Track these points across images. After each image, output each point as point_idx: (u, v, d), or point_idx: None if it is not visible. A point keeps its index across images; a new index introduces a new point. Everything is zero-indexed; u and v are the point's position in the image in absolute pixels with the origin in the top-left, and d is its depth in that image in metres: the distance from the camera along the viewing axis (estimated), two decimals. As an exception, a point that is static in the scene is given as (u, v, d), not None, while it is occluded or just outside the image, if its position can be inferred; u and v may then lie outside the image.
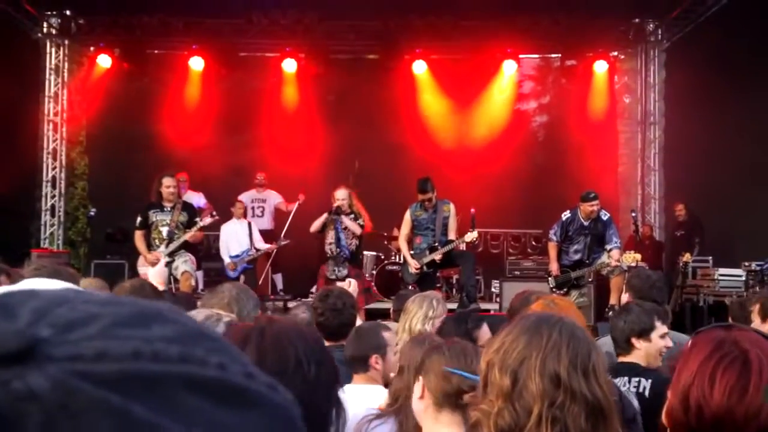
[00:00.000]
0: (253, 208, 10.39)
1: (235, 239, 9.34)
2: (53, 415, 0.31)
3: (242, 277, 9.88)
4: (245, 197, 10.47)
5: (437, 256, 7.62)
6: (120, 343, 0.35)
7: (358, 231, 8.41)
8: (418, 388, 2.10)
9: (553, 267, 8.02)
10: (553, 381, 1.36)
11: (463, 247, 7.91)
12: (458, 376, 2.02)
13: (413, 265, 7.69)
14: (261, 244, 9.26)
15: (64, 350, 0.34)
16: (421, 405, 2.09)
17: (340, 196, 8.13)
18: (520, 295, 3.94)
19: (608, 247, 7.76)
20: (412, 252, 7.88)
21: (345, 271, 8.13)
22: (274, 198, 10.32)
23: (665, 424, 1.41)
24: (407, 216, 7.90)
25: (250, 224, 9.45)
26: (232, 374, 0.37)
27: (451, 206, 7.82)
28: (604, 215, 7.87)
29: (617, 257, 7.54)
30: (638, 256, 7.41)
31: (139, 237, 7.60)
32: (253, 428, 0.35)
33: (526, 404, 1.36)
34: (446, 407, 2.05)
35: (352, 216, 8.14)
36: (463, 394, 2.02)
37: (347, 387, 2.86)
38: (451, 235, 7.70)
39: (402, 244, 8.04)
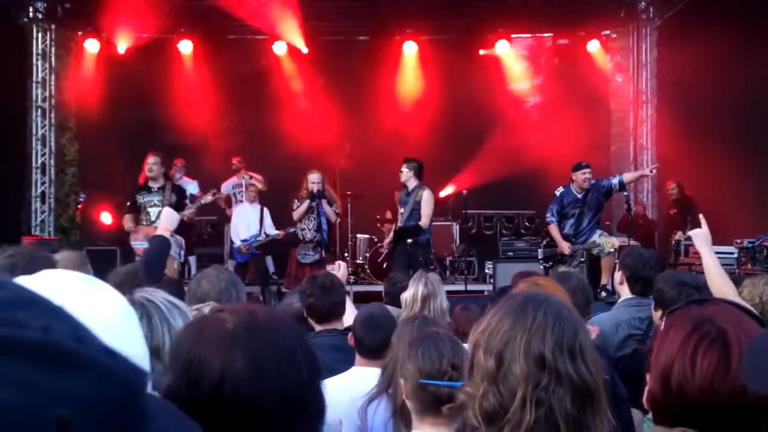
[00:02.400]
0: (234, 194, 10.29)
1: (245, 223, 9.07)
2: None
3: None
4: (227, 186, 10.33)
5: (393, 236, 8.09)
6: None
7: (333, 218, 8.48)
8: (403, 389, 2.09)
9: (564, 247, 7.90)
10: (537, 363, 1.34)
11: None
12: (434, 386, 2.00)
13: (384, 243, 8.70)
14: (271, 230, 8.95)
15: None
16: (409, 404, 2.09)
17: (315, 179, 8.11)
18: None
19: (615, 181, 7.92)
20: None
21: (316, 256, 8.16)
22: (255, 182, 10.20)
23: (647, 407, 1.39)
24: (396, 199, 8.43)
25: (262, 209, 9.11)
26: (57, 337, 0.36)
27: (425, 193, 7.88)
28: (591, 182, 7.91)
29: (630, 178, 8.38)
30: (616, 243, 7.81)
31: (127, 218, 7.51)
32: (77, 390, 0.34)
33: (511, 386, 1.34)
34: (428, 414, 2.04)
35: (326, 201, 8.15)
36: (441, 403, 2.00)
37: (355, 370, 2.85)
38: (423, 221, 7.80)
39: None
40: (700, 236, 3.22)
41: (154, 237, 4.13)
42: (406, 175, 7.93)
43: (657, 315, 3.13)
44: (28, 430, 0.32)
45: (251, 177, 9.82)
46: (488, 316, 1.44)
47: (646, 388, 1.37)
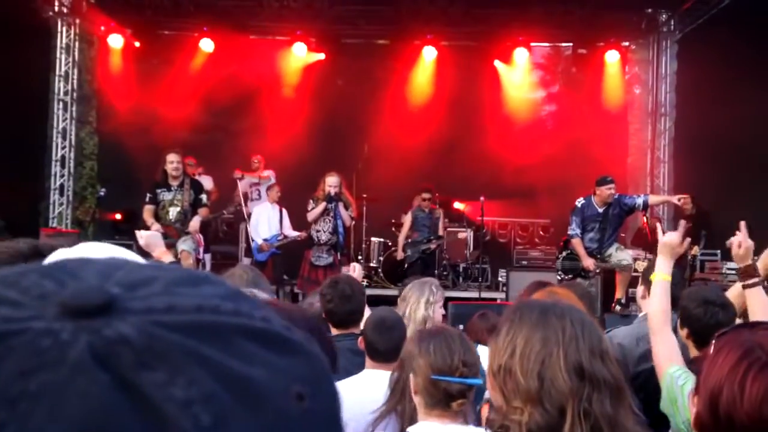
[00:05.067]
0: (251, 192, 10.34)
1: (266, 222, 9.12)
2: (142, 355, 0.37)
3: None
4: (245, 183, 10.38)
5: (432, 246, 9.51)
6: (183, 298, 0.41)
7: (348, 223, 8.44)
8: (412, 384, 2.11)
9: (588, 263, 7.71)
10: (578, 373, 1.37)
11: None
12: (445, 382, 2.02)
13: (399, 254, 9.54)
14: (290, 231, 9.03)
15: (137, 304, 0.39)
16: (416, 399, 2.11)
17: (333, 182, 8.05)
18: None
19: (640, 201, 7.79)
20: (408, 241, 9.59)
21: (330, 258, 8.12)
22: (269, 180, 10.22)
23: (693, 429, 1.39)
24: (409, 216, 9.56)
25: (282, 210, 9.18)
26: (275, 326, 0.42)
27: (442, 212, 9.81)
28: (614, 197, 7.75)
29: (655, 201, 8.70)
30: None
31: (147, 210, 7.38)
32: (299, 371, 0.41)
33: (557, 402, 1.36)
34: (436, 408, 2.05)
35: (342, 204, 8.11)
36: (452, 399, 2.02)
37: (366, 373, 2.86)
38: (440, 233, 9.73)
39: (401, 235, 9.64)
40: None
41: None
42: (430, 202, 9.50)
43: (683, 333, 3.09)
44: (280, 402, 0.39)
45: (250, 175, 9.98)
46: (508, 337, 1.45)
47: (694, 411, 1.37)
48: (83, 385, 0.35)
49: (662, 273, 2.67)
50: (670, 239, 2.75)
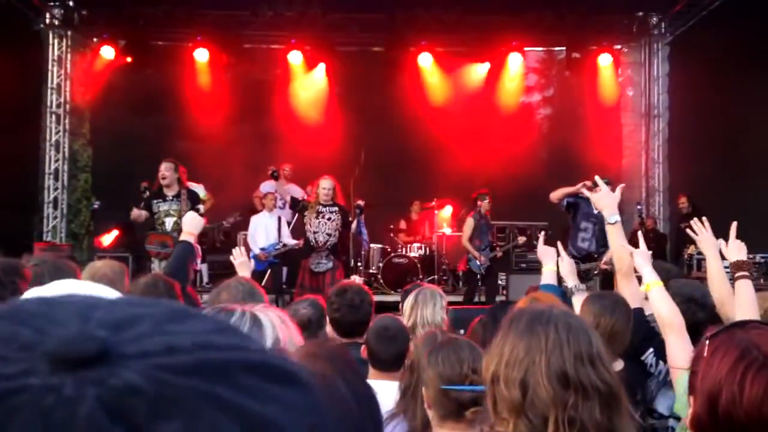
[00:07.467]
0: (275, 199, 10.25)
1: (264, 231, 9.08)
2: (156, 405, 0.33)
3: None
4: (267, 187, 10.28)
5: (499, 254, 9.21)
6: (177, 337, 0.37)
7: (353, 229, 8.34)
8: (425, 397, 2.07)
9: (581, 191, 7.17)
10: (561, 381, 1.34)
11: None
12: (456, 391, 1.98)
13: (481, 259, 8.96)
14: (289, 240, 8.95)
15: (131, 347, 0.36)
16: (430, 413, 2.08)
17: (327, 185, 7.84)
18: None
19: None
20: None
21: (329, 264, 7.91)
22: (295, 192, 10.16)
23: (690, 429, 1.40)
24: (471, 222, 9.04)
25: (279, 218, 9.13)
26: (272, 357, 0.40)
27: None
28: None
29: (607, 259, 7.52)
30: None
31: (135, 210, 7.17)
32: (305, 402, 0.38)
33: (540, 412, 1.33)
34: (449, 419, 2.02)
35: (336, 209, 7.92)
36: (464, 408, 1.99)
37: (371, 383, 2.84)
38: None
39: (467, 243, 9.11)
40: (706, 240, 3.23)
41: (180, 242, 4.02)
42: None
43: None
44: None
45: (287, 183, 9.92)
46: (498, 346, 1.44)
47: (690, 411, 1.38)
48: None
49: (654, 281, 2.80)
50: (642, 250, 2.96)
